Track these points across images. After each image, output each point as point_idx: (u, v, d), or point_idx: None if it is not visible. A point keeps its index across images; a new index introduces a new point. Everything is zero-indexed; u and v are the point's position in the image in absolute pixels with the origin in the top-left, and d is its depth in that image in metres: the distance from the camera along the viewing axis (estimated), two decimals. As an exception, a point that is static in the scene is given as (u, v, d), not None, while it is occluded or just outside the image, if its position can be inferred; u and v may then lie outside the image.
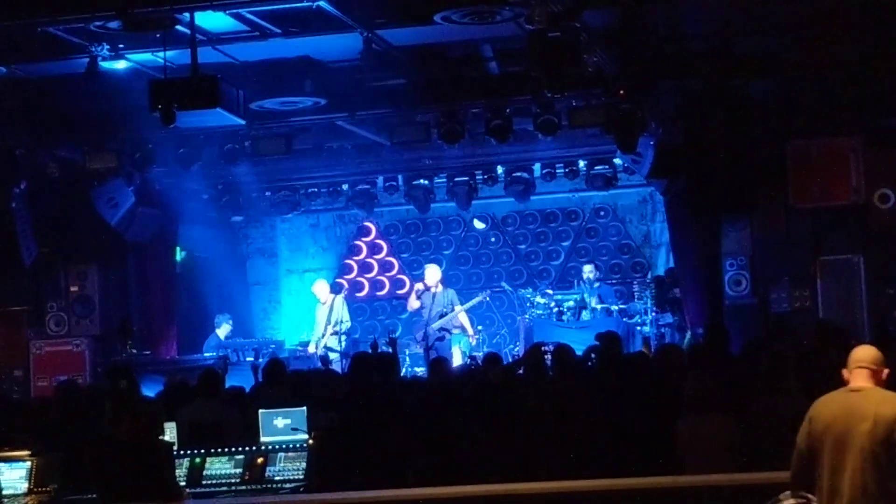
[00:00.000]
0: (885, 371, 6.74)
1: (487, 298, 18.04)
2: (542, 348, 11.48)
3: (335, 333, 17.25)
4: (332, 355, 16.88)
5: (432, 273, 17.75)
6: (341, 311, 17.53)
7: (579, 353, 11.36)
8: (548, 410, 9.50)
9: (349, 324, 17.72)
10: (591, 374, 11.01)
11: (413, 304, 17.61)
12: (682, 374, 9.48)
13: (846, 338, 10.58)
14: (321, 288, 18.02)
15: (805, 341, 11.16)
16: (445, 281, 18.87)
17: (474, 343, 17.39)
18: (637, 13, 11.74)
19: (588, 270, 17.65)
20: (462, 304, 17.45)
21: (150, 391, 12.14)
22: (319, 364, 16.53)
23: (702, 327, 15.60)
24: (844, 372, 6.77)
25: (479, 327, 19.36)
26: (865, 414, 6.52)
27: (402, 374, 14.81)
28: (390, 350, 14.71)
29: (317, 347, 17.38)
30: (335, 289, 18.43)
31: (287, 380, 10.89)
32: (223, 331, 17.47)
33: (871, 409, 6.51)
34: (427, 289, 17.55)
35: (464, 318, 17.38)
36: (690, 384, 8.88)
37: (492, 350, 15.78)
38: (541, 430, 9.32)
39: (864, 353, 6.79)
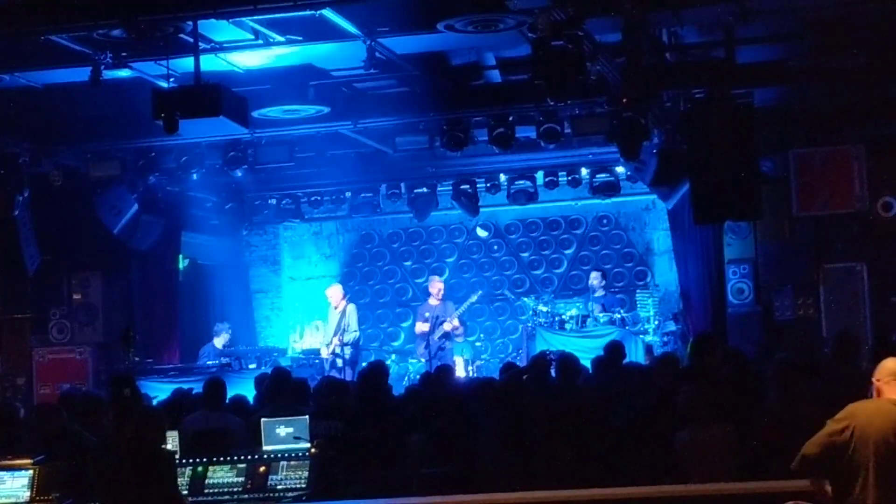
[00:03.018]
0: None
1: (476, 297, 18.03)
2: (547, 357, 11.50)
3: (343, 344, 17.20)
4: (340, 361, 16.93)
5: (435, 285, 17.82)
6: (349, 319, 17.49)
7: (583, 361, 11.37)
8: (552, 418, 9.50)
9: (357, 333, 17.63)
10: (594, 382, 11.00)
11: (423, 327, 17.48)
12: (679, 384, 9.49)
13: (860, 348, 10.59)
14: (334, 293, 17.95)
15: (826, 349, 11.13)
16: (448, 289, 18.89)
17: (461, 339, 17.41)
18: (640, 22, 11.73)
19: (594, 277, 17.63)
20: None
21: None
22: (328, 370, 16.62)
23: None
24: (877, 383, 6.77)
25: (482, 335, 19.40)
26: None
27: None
28: None
29: (328, 352, 17.38)
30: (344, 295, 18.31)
31: (292, 389, 10.88)
32: (221, 340, 17.43)
33: None
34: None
35: (455, 322, 17.44)
36: (686, 395, 8.86)
37: (499, 360, 15.71)
38: (545, 438, 9.32)
39: None
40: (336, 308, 17.66)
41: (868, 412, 6.67)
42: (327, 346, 17.37)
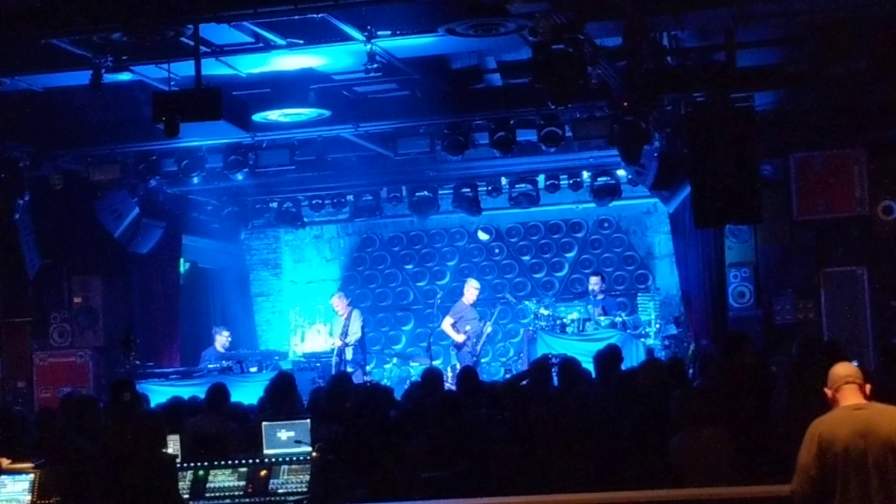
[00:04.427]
0: (868, 386, 6.70)
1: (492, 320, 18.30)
2: (549, 361, 11.48)
3: (345, 345, 17.39)
4: (349, 367, 17.14)
5: (473, 289, 17.95)
6: (352, 323, 17.67)
7: (585, 365, 11.34)
8: (553, 422, 9.49)
9: (358, 335, 17.80)
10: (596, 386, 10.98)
11: (458, 336, 17.59)
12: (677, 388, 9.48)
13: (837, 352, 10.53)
14: (337, 302, 18.16)
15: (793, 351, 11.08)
16: (450, 292, 18.95)
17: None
18: (641, 25, 11.74)
19: (594, 282, 17.62)
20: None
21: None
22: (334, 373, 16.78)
23: (706, 339, 15.62)
24: (828, 391, 6.67)
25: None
26: (880, 432, 6.45)
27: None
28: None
29: (339, 357, 17.50)
30: (349, 302, 18.47)
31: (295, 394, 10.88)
32: (221, 343, 17.49)
33: (885, 428, 6.45)
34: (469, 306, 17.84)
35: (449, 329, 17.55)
36: (679, 400, 8.85)
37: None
38: (546, 443, 9.31)
39: (849, 370, 6.72)
40: (342, 315, 17.86)
41: (828, 425, 6.57)
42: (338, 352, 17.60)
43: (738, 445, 8.66)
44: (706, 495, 7.89)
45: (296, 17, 10.90)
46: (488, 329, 17.78)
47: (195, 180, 16.11)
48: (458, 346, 17.39)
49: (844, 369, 6.74)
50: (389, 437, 9.68)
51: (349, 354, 17.42)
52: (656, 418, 9.09)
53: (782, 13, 11.96)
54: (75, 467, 8.69)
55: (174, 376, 16.62)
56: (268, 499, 8.73)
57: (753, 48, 13.25)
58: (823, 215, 15.53)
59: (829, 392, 6.68)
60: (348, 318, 17.77)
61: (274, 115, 13.87)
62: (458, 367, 16.61)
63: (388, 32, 11.49)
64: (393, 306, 20.61)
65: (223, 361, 16.95)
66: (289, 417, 9.50)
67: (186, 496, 8.63)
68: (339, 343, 17.43)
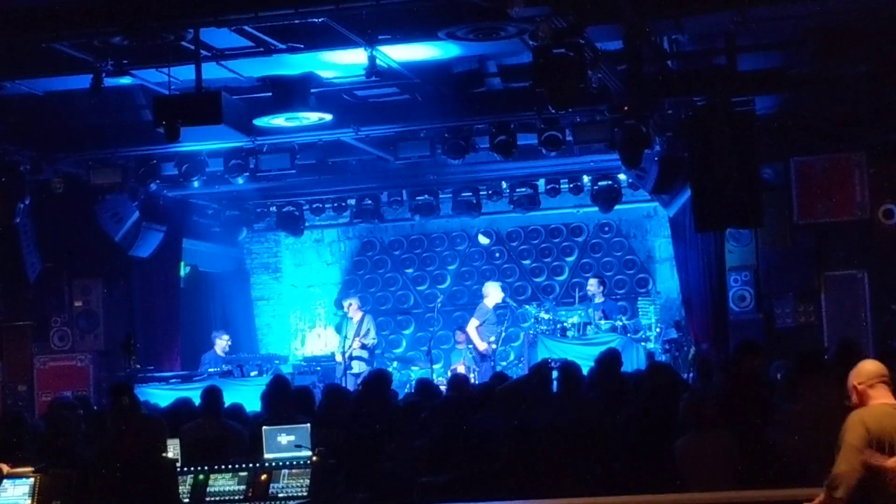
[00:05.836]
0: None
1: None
2: (549, 365, 11.48)
3: (363, 347, 17.56)
4: (356, 364, 17.38)
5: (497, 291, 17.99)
6: (368, 326, 17.77)
7: (585, 368, 11.33)
8: (553, 426, 9.49)
9: (375, 340, 17.97)
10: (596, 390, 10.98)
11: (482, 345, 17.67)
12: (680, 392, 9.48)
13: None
14: (350, 306, 18.21)
15: (826, 356, 11.10)
16: (451, 296, 18.94)
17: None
18: (641, 29, 11.74)
19: (593, 285, 17.63)
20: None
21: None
22: (341, 374, 17.06)
23: (706, 343, 15.62)
24: (860, 386, 6.70)
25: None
26: None
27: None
28: None
29: (343, 357, 17.59)
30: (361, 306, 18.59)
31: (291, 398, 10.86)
32: (220, 347, 17.51)
33: None
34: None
35: (473, 334, 17.60)
36: (686, 402, 8.86)
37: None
38: (546, 447, 9.31)
39: (881, 367, 6.76)
40: (353, 319, 17.93)
41: (873, 417, 6.61)
42: (343, 352, 17.56)
43: (742, 449, 8.66)
44: (709, 499, 7.88)
45: (296, 22, 10.91)
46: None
47: (196, 184, 16.08)
48: (482, 354, 17.40)
49: (876, 367, 6.79)
50: (390, 441, 9.68)
51: (365, 355, 17.50)
52: (658, 422, 9.09)
53: (783, 17, 11.95)
54: (76, 472, 8.68)
55: (174, 380, 16.62)
56: (268, 503, 8.72)
57: (754, 52, 13.24)
58: (824, 219, 15.53)
59: (858, 386, 6.69)
60: (361, 322, 17.84)
61: (276, 120, 13.85)
62: (458, 370, 16.68)
63: (389, 37, 11.48)
64: (393, 310, 20.63)
65: (223, 365, 17.00)
66: (289, 422, 9.50)
67: (186, 501, 8.62)
68: (357, 344, 17.50)
